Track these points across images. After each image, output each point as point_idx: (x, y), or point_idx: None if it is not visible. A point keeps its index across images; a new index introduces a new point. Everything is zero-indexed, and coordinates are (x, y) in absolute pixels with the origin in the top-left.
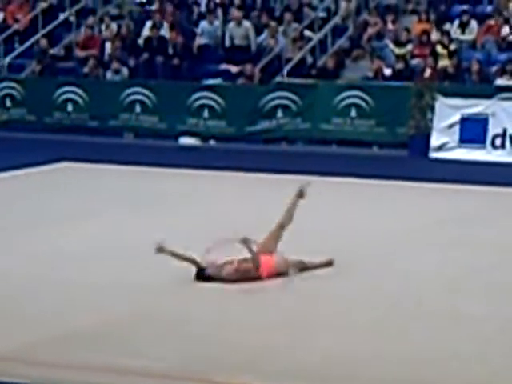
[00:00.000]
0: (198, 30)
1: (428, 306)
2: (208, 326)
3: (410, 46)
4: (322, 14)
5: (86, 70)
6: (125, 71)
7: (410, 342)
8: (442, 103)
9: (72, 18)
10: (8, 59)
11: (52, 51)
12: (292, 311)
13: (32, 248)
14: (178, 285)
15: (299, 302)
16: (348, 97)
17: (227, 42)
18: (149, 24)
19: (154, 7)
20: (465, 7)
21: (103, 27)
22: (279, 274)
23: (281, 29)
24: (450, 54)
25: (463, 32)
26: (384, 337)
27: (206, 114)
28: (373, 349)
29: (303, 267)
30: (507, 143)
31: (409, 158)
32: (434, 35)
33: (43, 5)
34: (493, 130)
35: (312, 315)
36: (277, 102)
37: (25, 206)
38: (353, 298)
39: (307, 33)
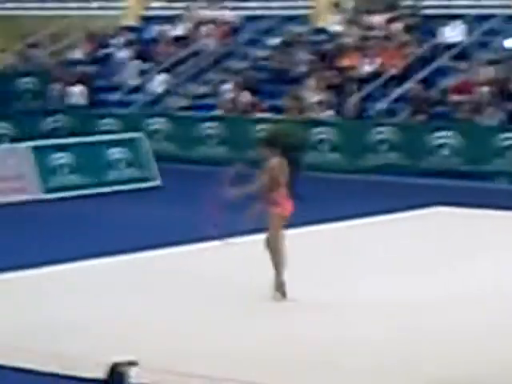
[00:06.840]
0: None
1: None
2: None
3: None
4: None
5: (460, 114)
6: (501, 115)
7: None
8: None
9: (447, 64)
10: (385, 103)
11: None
12: None
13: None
14: None
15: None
16: None
17: None
18: None
19: None
20: None
21: (479, 72)
22: None
23: None
24: None
25: None
26: None
27: None
28: None
29: None
30: None
31: None
32: None
33: (417, 51)
34: None
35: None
36: None
37: (389, 249)
38: None
39: None
